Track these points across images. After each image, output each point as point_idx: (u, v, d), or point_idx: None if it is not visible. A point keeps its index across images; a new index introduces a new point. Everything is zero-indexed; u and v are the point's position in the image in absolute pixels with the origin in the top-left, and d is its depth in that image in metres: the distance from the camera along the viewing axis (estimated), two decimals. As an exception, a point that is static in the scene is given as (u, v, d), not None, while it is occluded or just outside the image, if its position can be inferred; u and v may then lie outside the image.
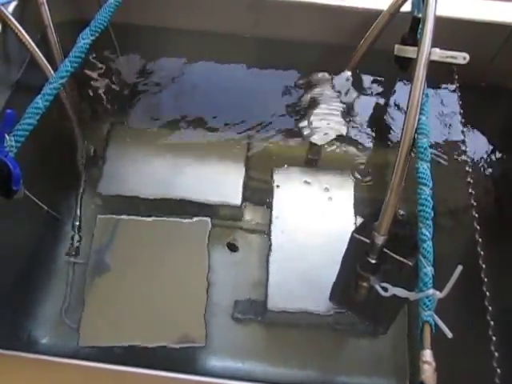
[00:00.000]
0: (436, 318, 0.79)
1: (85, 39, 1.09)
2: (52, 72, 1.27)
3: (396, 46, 1.27)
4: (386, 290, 0.92)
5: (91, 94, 1.59)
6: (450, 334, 0.77)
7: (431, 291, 0.80)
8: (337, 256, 1.11)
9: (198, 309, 1.20)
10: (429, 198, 0.89)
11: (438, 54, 1.04)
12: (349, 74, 1.46)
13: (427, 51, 0.95)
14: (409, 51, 1.21)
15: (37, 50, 1.30)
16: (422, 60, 0.95)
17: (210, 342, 1.19)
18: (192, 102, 1.60)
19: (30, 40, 1.31)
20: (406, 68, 1.28)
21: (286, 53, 1.57)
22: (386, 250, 0.99)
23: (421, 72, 0.94)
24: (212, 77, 1.63)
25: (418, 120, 0.93)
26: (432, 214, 0.88)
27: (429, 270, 0.83)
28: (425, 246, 0.84)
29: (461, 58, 1.09)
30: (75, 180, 1.46)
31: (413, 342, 1.29)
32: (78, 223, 1.40)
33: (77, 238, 1.39)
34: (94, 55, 1.62)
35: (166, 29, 1.57)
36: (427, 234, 0.86)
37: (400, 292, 0.88)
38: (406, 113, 0.93)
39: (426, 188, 0.90)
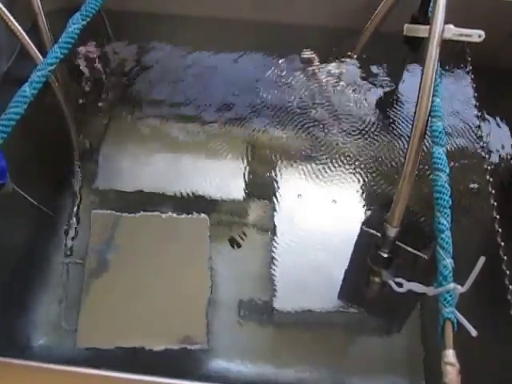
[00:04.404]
0: (458, 314, 0.73)
1: (75, 24, 1.03)
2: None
3: (405, 25, 1.23)
4: (400, 285, 0.87)
5: (86, 84, 1.55)
6: (474, 332, 0.70)
7: (452, 285, 0.74)
8: (346, 251, 1.07)
9: (200, 309, 1.18)
10: (446, 185, 0.84)
11: (452, 32, 0.98)
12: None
13: (440, 28, 0.90)
14: (420, 30, 1.16)
15: (27, 38, 1.25)
16: (435, 38, 0.90)
17: (213, 343, 1.17)
18: (191, 92, 1.56)
19: (20, 29, 1.25)
20: (416, 49, 1.23)
21: (287, 38, 1.53)
22: (398, 243, 0.95)
23: (433, 51, 0.89)
24: (211, 65, 1.59)
25: (432, 102, 0.88)
26: (450, 202, 0.82)
27: (448, 262, 0.77)
28: (443, 236, 0.79)
29: (476, 35, 1.03)
30: (69, 175, 1.42)
31: (427, 340, 1.22)
32: (73, 220, 1.36)
33: (72, 235, 1.34)
34: (89, 44, 1.57)
35: (163, 15, 1.54)
36: (445, 223, 0.80)
37: (417, 287, 0.82)
38: (418, 95, 0.88)
39: (443, 174, 0.85)
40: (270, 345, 1.19)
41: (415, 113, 0.88)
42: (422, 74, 0.88)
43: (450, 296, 0.74)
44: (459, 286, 0.75)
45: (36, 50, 1.23)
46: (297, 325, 1.20)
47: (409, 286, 0.84)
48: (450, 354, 0.69)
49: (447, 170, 0.86)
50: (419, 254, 0.93)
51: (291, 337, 1.19)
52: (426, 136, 0.88)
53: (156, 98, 1.55)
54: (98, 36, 1.56)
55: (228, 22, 1.50)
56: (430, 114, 0.89)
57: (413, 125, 0.88)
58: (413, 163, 0.88)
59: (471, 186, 1.29)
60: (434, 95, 0.92)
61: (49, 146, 1.42)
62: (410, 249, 0.94)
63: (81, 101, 1.52)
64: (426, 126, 0.88)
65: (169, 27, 1.59)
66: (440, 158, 0.86)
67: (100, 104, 1.54)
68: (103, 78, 1.54)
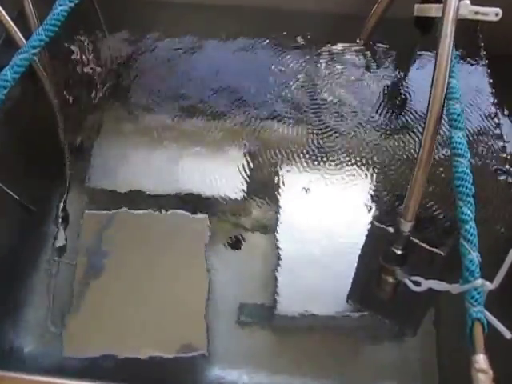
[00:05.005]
0: (488, 314, 0.65)
1: (62, 5, 0.98)
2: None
3: (416, 5, 1.18)
4: (418, 284, 0.80)
5: (77, 75, 1.50)
6: (508, 335, 0.62)
7: (480, 281, 0.66)
8: (355, 250, 1.05)
9: (199, 313, 1.15)
10: (467, 171, 0.78)
11: (468, 9, 0.92)
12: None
13: (455, 4, 0.86)
14: (432, 9, 1.12)
15: (14, 26, 1.20)
16: (450, 15, 0.86)
17: (213, 349, 1.12)
18: (189, 84, 1.51)
19: (6, 16, 1.20)
20: (428, 31, 1.18)
21: (289, 25, 1.48)
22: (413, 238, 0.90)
23: (448, 29, 0.85)
24: (211, 56, 1.54)
25: (448, 84, 0.84)
26: (472, 190, 0.76)
27: (474, 255, 0.69)
28: (467, 227, 0.71)
29: (492, 14, 0.98)
30: (59, 173, 1.36)
31: (442, 345, 1.14)
32: (63, 220, 1.30)
33: (63, 236, 1.28)
34: (80, 34, 1.52)
35: (159, 2, 1.49)
36: (468, 212, 0.73)
37: (438, 285, 0.74)
38: (433, 77, 0.84)
39: (464, 159, 0.78)
40: (273, 352, 1.15)
41: (430, 96, 0.84)
42: (437, 55, 0.84)
43: (478, 293, 0.67)
44: (488, 283, 0.67)
45: (22, 37, 1.19)
46: (301, 331, 1.17)
47: (428, 284, 0.76)
48: (481, 360, 0.61)
49: (468, 155, 0.80)
50: (436, 250, 0.90)
51: (295, 344, 1.16)
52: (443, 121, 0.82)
53: (152, 91, 1.50)
54: (88, 24, 1.51)
55: (229, 9, 1.45)
56: (446, 97, 0.85)
57: (428, 108, 0.84)
58: (428, 150, 0.84)
59: (490, 175, 1.24)
60: (450, 76, 0.87)
61: (37, 142, 1.37)
62: (425, 245, 0.91)
63: (71, 93, 1.46)
64: (443, 108, 0.84)
65: (165, 14, 1.54)
66: (460, 143, 0.80)
67: (92, 97, 1.49)
68: (95, 69, 1.49)
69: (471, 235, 0.71)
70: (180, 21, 1.55)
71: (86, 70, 1.49)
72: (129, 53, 1.54)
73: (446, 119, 0.86)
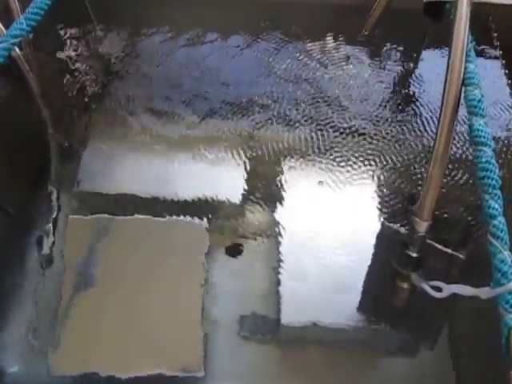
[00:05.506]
0: (527, 321, 0.56)
1: None
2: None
3: None
4: (439, 289, 0.73)
5: (65, 73, 1.47)
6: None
7: (515, 283, 0.58)
8: (364, 254, 0.99)
9: (195, 329, 1.10)
10: (492, 161, 0.72)
11: None
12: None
13: None
14: None
15: None
16: None
17: (211, 367, 1.07)
18: (186, 82, 1.47)
19: None
20: (439, 17, 1.14)
21: (291, 16, 1.45)
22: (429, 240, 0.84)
23: (463, 11, 0.80)
24: (208, 53, 1.50)
25: (465, 69, 0.80)
26: (499, 181, 0.69)
27: (506, 254, 0.63)
28: (495, 222, 0.65)
29: None
30: (46, 176, 1.32)
31: (459, 359, 1.05)
32: (48, 226, 1.24)
33: (47, 244, 1.22)
34: (69, 29, 1.49)
35: None
36: (496, 206, 0.68)
37: (463, 290, 0.67)
38: (448, 62, 0.80)
39: (487, 148, 0.73)
40: (276, 369, 1.10)
41: (445, 83, 0.80)
42: (451, 39, 0.80)
43: (513, 297, 0.58)
44: (525, 284, 0.59)
45: (3, 27, 1.15)
46: (307, 345, 1.12)
47: (451, 289, 0.69)
48: (521, 375, 0.53)
49: (492, 144, 0.74)
50: (454, 253, 0.85)
51: (300, 359, 1.10)
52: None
53: (146, 90, 1.47)
54: (79, 19, 1.48)
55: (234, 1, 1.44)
56: (463, 83, 0.80)
57: (443, 97, 0.80)
58: (445, 141, 0.79)
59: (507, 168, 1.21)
60: (467, 61, 0.83)
61: (22, 143, 1.32)
62: (443, 247, 0.85)
63: (58, 93, 1.43)
64: (460, 95, 0.79)
65: (158, 9, 1.51)
66: (482, 130, 0.74)
67: (80, 96, 1.45)
68: (85, 67, 1.46)
69: (501, 231, 0.65)
70: (176, 16, 1.53)
71: (74, 67, 1.46)
72: (120, 50, 1.51)
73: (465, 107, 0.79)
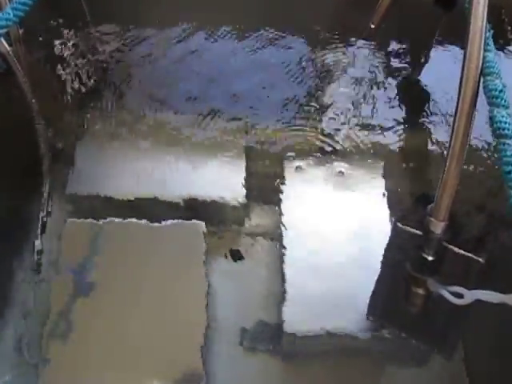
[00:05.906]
0: None
1: None
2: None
3: None
4: (459, 295, 0.68)
5: (58, 72, 1.44)
6: None
7: (550, 289, 0.54)
8: (375, 257, 0.95)
9: (196, 338, 1.07)
10: None
11: None
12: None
13: None
14: None
15: None
16: None
17: (213, 378, 1.04)
18: (183, 80, 1.45)
19: None
20: (450, 7, 1.11)
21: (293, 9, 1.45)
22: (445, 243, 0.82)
23: None
24: (207, 49, 1.48)
25: (484, 58, 0.76)
26: None
27: None
28: None
29: None
30: (38, 179, 1.29)
31: (473, 369, 1.00)
32: (42, 230, 1.22)
33: (39, 248, 1.19)
34: (62, 25, 1.47)
35: None
36: None
37: (488, 296, 0.62)
38: (465, 51, 0.76)
39: (511, 141, 0.66)
40: (280, 380, 1.07)
41: (462, 74, 0.76)
42: (469, 27, 0.77)
43: (549, 305, 0.54)
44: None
45: None
46: (313, 354, 1.08)
47: (475, 295, 0.65)
48: None
49: None
50: (474, 256, 0.79)
51: (306, 370, 1.07)
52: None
53: (141, 90, 1.45)
54: (72, 15, 1.45)
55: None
56: (482, 72, 0.76)
57: (460, 89, 0.76)
58: (462, 137, 0.74)
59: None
60: (485, 50, 0.80)
61: (14, 144, 1.30)
62: (461, 250, 0.81)
63: (50, 92, 1.41)
64: (478, 86, 0.75)
65: (155, 5, 1.49)
66: (505, 122, 0.70)
67: (74, 95, 1.43)
68: (80, 65, 1.44)
69: (531, 232, 0.60)
70: (171, 13, 1.51)
71: (66, 65, 1.44)
72: (115, 48, 1.49)
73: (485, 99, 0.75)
